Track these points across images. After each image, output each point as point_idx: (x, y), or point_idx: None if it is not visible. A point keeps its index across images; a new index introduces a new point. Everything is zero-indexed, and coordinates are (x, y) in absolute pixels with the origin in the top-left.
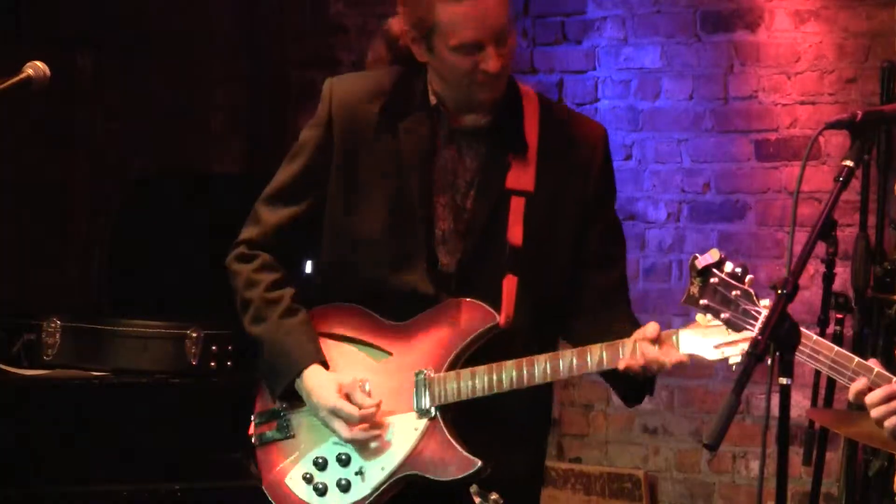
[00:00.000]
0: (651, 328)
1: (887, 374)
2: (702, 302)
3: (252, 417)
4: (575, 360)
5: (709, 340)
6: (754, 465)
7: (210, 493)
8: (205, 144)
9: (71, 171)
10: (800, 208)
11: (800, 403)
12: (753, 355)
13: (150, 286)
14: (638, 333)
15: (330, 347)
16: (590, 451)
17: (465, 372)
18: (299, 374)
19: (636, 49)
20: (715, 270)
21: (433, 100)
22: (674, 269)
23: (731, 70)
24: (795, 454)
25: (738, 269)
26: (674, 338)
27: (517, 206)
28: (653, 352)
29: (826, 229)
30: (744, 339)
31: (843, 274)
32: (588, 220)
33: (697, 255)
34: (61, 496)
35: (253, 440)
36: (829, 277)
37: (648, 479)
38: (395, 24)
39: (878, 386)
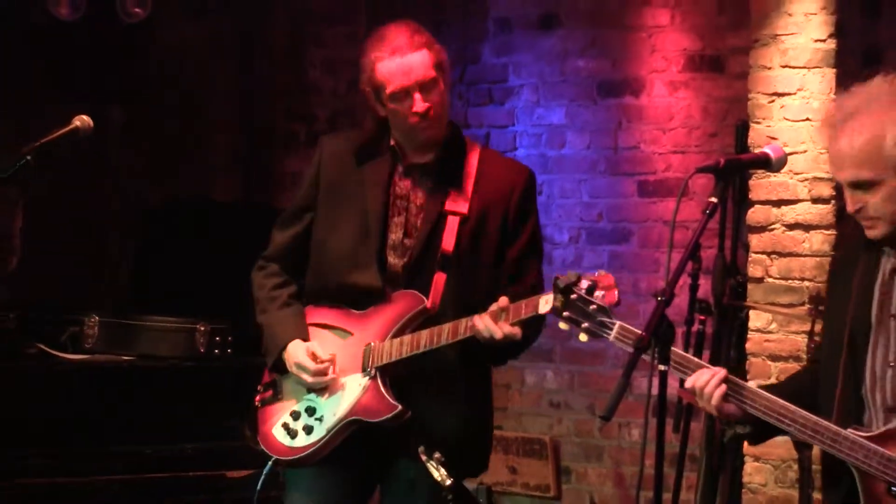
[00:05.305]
0: (500, 300)
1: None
2: (565, 314)
3: (258, 389)
4: (446, 329)
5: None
6: (635, 432)
7: (212, 452)
8: (209, 179)
9: (105, 200)
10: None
11: (672, 385)
12: (638, 348)
13: (167, 291)
14: (492, 306)
15: (314, 332)
16: (508, 421)
17: (396, 340)
18: (284, 347)
19: (546, 110)
20: (574, 289)
21: (392, 143)
22: None
23: (620, 126)
24: (667, 424)
25: (591, 286)
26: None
27: (452, 223)
28: (489, 323)
29: (695, 251)
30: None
31: (705, 285)
32: (508, 238)
33: (559, 275)
34: (96, 455)
35: (257, 404)
36: (694, 288)
37: (553, 443)
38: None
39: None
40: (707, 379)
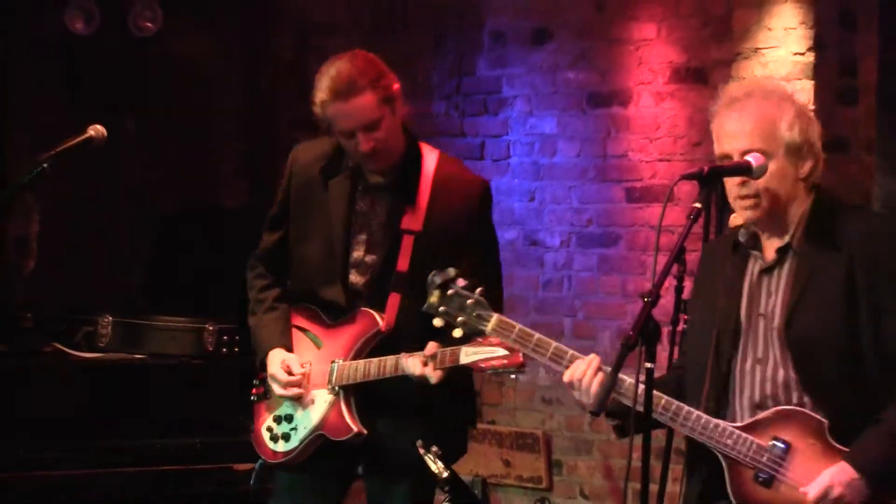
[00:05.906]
0: (428, 347)
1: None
2: (441, 309)
3: (254, 383)
4: (389, 363)
5: (472, 352)
6: None
7: (219, 446)
8: (218, 185)
9: (118, 206)
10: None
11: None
12: (626, 346)
13: (177, 292)
14: (427, 349)
15: (296, 335)
16: (502, 416)
17: (353, 363)
18: (266, 353)
19: (539, 119)
20: (451, 284)
21: (351, 163)
22: (565, 282)
23: (609, 135)
24: None
25: (470, 283)
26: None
27: (407, 242)
28: (415, 366)
29: (680, 254)
30: (491, 351)
31: (689, 286)
32: (464, 250)
33: (436, 271)
34: (108, 449)
35: (253, 398)
36: (679, 289)
37: (545, 437)
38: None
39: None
40: (584, 369)
